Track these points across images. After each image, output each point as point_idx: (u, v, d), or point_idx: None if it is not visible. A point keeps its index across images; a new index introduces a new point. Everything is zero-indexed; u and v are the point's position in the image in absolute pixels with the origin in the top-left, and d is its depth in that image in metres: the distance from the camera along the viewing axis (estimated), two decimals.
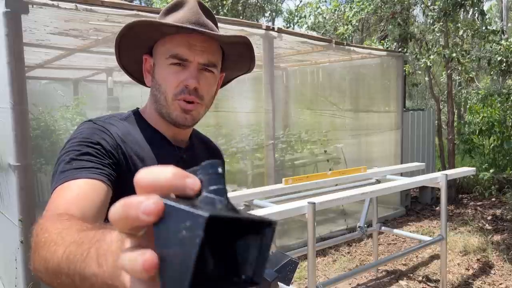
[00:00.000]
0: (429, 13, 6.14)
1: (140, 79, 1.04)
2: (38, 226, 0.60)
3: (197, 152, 1.08)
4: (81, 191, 0.76)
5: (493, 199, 6.31)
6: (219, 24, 1.02)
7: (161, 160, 0.96)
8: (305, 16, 9.40)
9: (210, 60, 0.93)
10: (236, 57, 1.01)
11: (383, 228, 3.92)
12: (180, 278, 0.31)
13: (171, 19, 0.92)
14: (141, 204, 0.32)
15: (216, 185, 0.36)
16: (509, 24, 14.61)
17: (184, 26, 0.87)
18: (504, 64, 6.03)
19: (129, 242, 0.35)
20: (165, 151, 0.98)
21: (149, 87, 0.99)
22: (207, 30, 0.89)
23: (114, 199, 0.82)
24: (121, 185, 0.85)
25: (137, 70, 1.02)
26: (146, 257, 0.32)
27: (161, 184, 0.35)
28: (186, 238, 0.31)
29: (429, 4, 6.29)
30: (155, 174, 0.35)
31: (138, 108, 1.04)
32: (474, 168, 3.77)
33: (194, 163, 0.40)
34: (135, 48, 0.97)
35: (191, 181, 0.35)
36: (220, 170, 0.37)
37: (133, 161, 0.91)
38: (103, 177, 0.81)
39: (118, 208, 0.34)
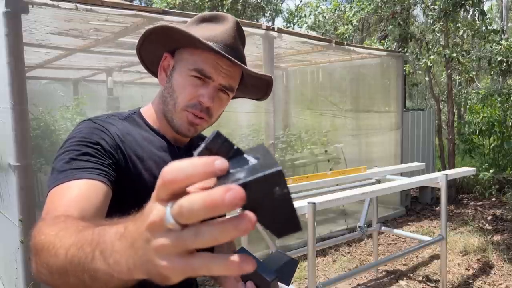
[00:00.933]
0: (429, 13, 6.14)
1: (151, 69, 1.05)
2: (35, 229, 0.61)
3: None
4: (81, 192, 0.76)
5: (493, 199, 6.31)
6: None
7: (161, 160, 0.96)
8: (305, 16, 9.39)
9: (230, 84, 0.95)
10: (251, 87, 1.04)
11: (383, 228, 3.91)
12: None
13: (205, 30, 0.93)
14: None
15: (233, 153, 0.39)
16: (509, 24, 14.61)
17: (221, 53, 0.88)
18: (504, 64, 6.03)
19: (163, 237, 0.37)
20: (164, 151, 0.98)
21: (160, 84, 0.99)
22: (239, 63, 0.90)
23: (113, 199, 0.82)
24: (121, 185, 0.85)
25: (152, 61, 1.02)
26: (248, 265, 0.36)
27: (196, 177, 0.36)
28: None
29: (429, 4, 6.29)
30: (188, 170, 0.36)
31: (139, 108, 1.04)
32: (474, 168, 3.77)
33: None
34: (160, 45, 0.97)
35: (220, 163, 0.36)
36: (224, 136, 0.39)
37: (132, 161, 0.90)
38: (103, 177, 0.80)
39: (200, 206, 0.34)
